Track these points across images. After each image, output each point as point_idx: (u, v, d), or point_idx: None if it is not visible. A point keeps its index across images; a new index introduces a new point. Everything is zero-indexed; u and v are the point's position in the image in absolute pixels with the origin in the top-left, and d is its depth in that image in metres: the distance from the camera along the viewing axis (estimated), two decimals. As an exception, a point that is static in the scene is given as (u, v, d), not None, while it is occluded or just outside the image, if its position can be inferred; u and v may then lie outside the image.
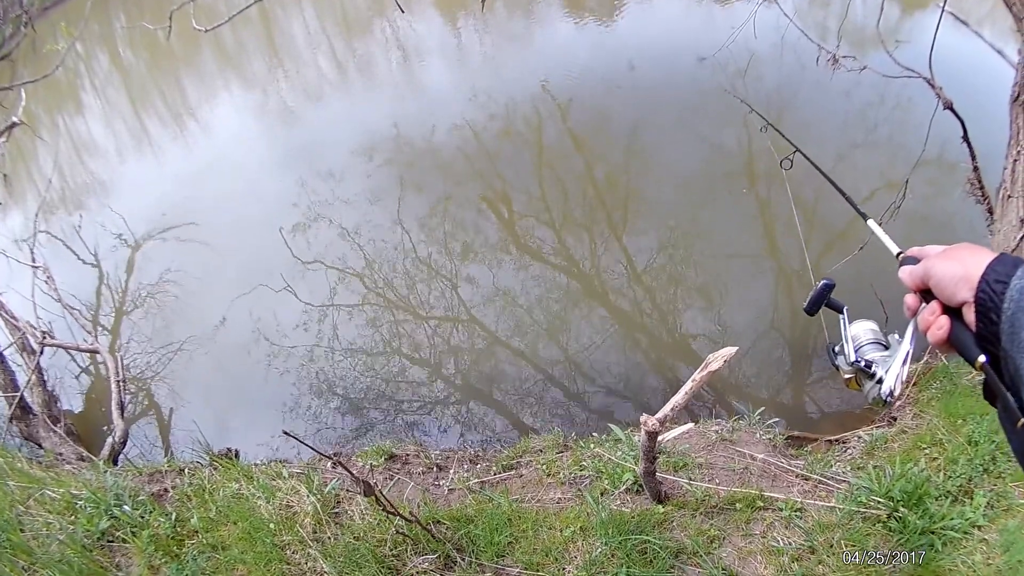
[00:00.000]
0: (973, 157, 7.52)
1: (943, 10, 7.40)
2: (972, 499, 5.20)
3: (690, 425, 5.39)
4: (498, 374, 8.67)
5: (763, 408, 6.62)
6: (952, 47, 6.96)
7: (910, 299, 1.70)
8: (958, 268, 1.52)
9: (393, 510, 4.63)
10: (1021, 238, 6.50)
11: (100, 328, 10.12)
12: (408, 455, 6.41)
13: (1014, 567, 4.76)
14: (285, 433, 4.33)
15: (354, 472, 4.61)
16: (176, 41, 10.90)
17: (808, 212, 10.35)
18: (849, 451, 6.37)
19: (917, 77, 7.78)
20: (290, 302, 9.71)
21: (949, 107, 7.42)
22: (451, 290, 9.67)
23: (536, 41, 15.21)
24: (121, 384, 8.21)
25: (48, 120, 18.28)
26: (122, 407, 8.05)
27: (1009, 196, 6.64)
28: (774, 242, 9.95)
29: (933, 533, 4.92)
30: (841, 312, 2.22)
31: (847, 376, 2.09)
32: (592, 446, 6.16)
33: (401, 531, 4.80)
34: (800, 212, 10.30)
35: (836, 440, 6.88)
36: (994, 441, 5.56)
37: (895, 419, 6.71)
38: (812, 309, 2.27)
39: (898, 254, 1.91)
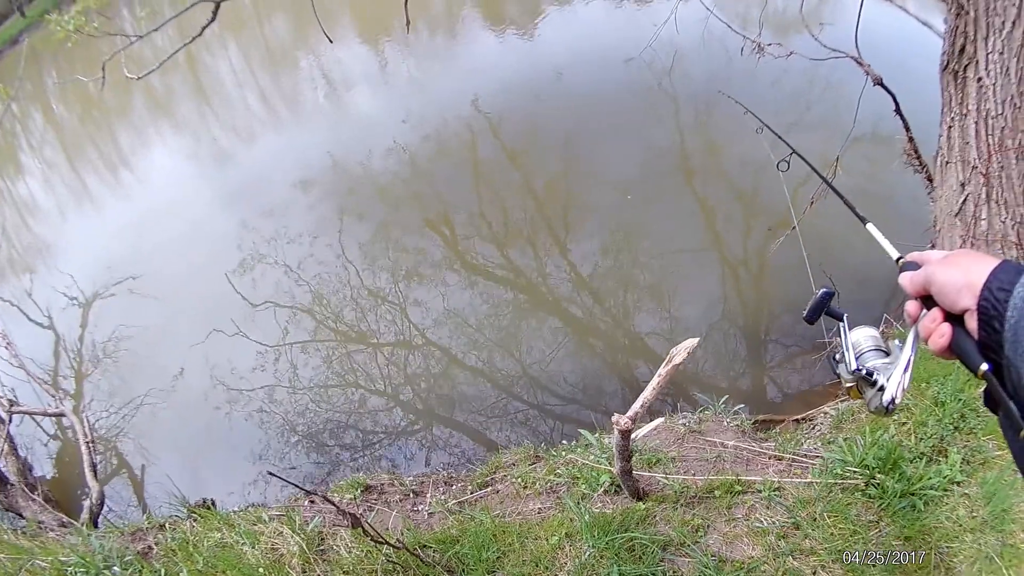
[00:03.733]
0: (907, 128, 7.66)
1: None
2: (947, 457, 5.30)
3: (660, 420, 5.46)
4: (458, 394, 8.68)
5: (727, 396, 6.65)
6: (878, 23, 7.10)
7: (911, 306, 1.72)
8: (960, 275, 1.53)
9: (381, 539, 4.65)
10: (962, 201, 6.65)
11: (61, 391, 10.04)
12: (383, 484, 6.42)
13: (999, 516, 4.87)
14: (270, 474, 4.33)
15: (339, 506, 4.62)
16: (107, 92, 10.89)
17: (748, 198, 10.49)
18: (817, 427, 6.44)
19: (844, 57, 7.92)
20: (245, 345, 9.63)
21: (879, 83, 7.56)
22: (401, 315, 9.65)
23: (461, 58, 15.24)
24: (91, 445, 8.16)
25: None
26: (95, 468, 8.01)
27: (947, 162, 6.79)
28: (717, 234, 10.03)
29: (913, 495, 5.01)
30: (841, 320, 2.20)
31: (848, 385, 2.08)
32: (564, 453, 6.20)
33: (391, 559, 4.82)
34: (741, 202, 10.44)
35: (803, 419, 6.95)
36: (960, 399, 5.66)
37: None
38: (812, 317, 2.25)
39: (898, 259, 1.92)
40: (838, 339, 2.16)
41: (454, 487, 6.35)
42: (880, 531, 4.94)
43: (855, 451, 5.33)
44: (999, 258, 1.50)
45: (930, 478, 5.12)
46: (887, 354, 2.02)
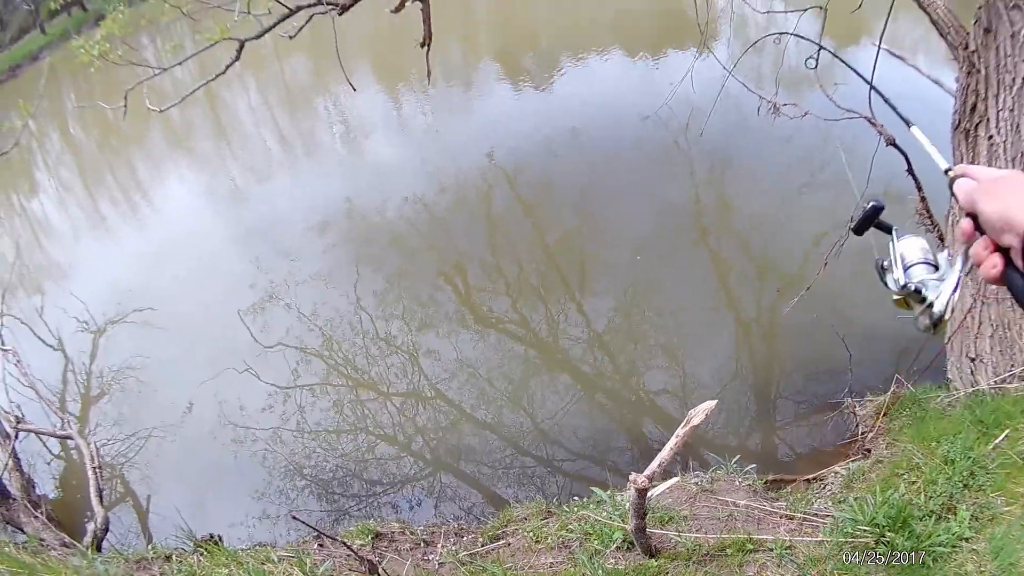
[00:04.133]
0: (919, 188, 7.74)
1: (879, 48, 7.60)
2: (956, 515, 5.33)
3: (675, 480, 5.51)
4: (467, 447, 8.70)
5: (738, 456, 6.70)
6: (890, 81, 7.21)
7: (965, 224, 1.61)
8: (1000, 210, 1.47)
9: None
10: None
11: (68, 413, 10.08)
12: (393, 532, 6.43)
13: (1006, 569, 4.89)
14: (294, 518, 4.39)
15: (356, 551, 4.64)
16: (125, 120, 10.97)
17: (758, 258, 10.52)
18: (828, 487, 6.47)
19: (858, 117, 8.00)
20: (254, 385, 9.65)
21: (892, 143, 7.63)
22: (413, 365, 9.67)
23: (478, 111, 15.32)
24: (98, 471, 8.19)
25: (3, 198, 18.30)
26: (100, 494, 8.03)
27: (957, 221, 6.86)
28: (730, 292, 10.09)
29: (922, 551, 5.06)
30: (890, 233, 2.08)
31: (896, 297, 1.99)
32: (576, 510, 6.21)
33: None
34: (750, 259, 10.47)
35: (814, 478, 6.97)
36: (970, 457, 5.69)
37: (869, 451, 6.84)
38: (860, 229, 2.13)
39: (946, 170, 1.82)
40: (889, 248, 2.05)
41: (465, 538, 6.38)
42: (890, 589, 4.98)
43: (866, 510, 5.36)
44: None
45: (939, 535, 5.15)
46: (936, 268, 1.95)
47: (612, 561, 5.27)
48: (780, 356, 9.18)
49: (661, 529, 5.52)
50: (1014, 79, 6.24)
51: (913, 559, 5.04)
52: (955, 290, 1.82)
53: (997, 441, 5.90)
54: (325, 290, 10.93)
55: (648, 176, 12.43)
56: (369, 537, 6.23)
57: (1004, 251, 1.49)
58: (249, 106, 16.51)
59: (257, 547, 6.37)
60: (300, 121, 16.14)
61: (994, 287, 6.84)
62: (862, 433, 7.39)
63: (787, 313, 8.56)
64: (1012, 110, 6.32)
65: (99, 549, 7.49)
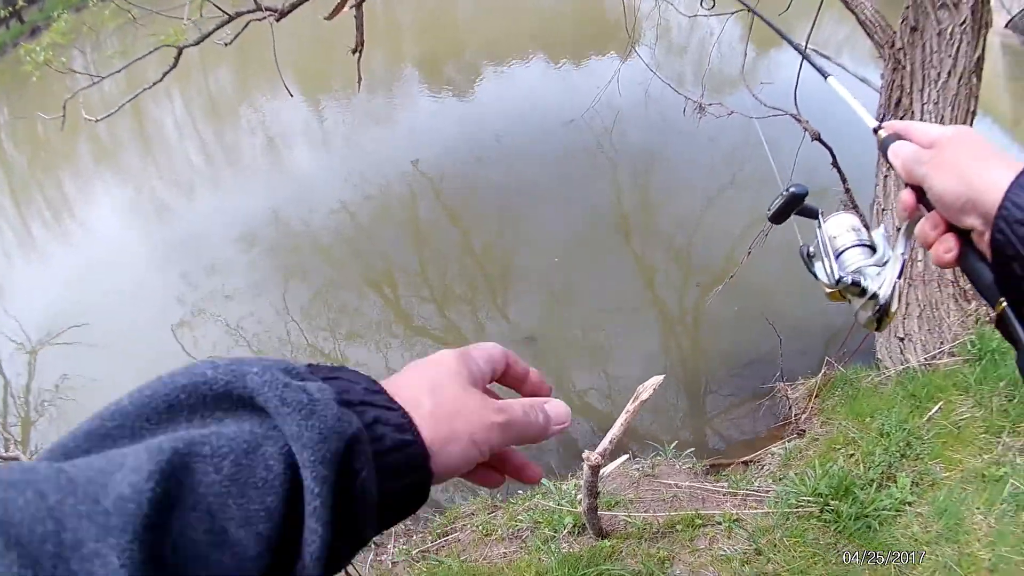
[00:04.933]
0: (844, 180, 7.93)
1: (805, 48, 7.78)
2: (896, 482, 5.54)
3: (625, 457, 5.61)
4: None
5: (675, 442, 6.91)
6: (816, 80, 7.42)
7: (907, 198, 1.40)
8: (960, 187, 1.22)
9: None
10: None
11: (10, 435, 9.95)
12: None
13: (952, 529, 5.11)
14: None
15: None
16: (58, 134, 10.84)
17: (683, 256, 10.68)
18: (766, 467, 6.61)
19: (784, 115, 8.18)
20: None
21: (817, 138, 7.82)
22: None
23: (402, 120, 15.21)
24: None
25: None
26: None
27: (884, 209, 7.17)
28: (656, 291, 10.28)
29: (867, 516, 5.24)
30: (816, 218, 1.83)
31: (828, 290, 1.73)
32: (522, 501, 6.35)
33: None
34: (674, 257, 10.62)
35: (751, 460, 7.11)
36: (905, 429, 5.92)
37: (804, 431, 7.00)
38: (780, 217, 1.86)
39: (876, 129, 1.57)
40: (816, 235, 1.80)
41: (414, 537, 6.40)
42: (839, 552, 5.13)
43: (807, 482, 5.55)
44: (1011, 163, 1.19)
45: (882, 500, 5.35)
46: (873, 250, 1.69)
47: (565, 546, 5.38)
48: (709, 349, 9.32)
49: (610, 512, 5.65)
50: (939, 74, 6.52)
51: (859, 524, 5.20)
52: (900, 276, 1.60)
53: (931, 413, 6.12)
54: (252, 302, 10.81)
55: (573, 180, 12.53)
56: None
57: (961, 232, 1.29)
58: (175, 120, 16.30)
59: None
60: (224, 133, 15.97)
61: (931, 269, 7.10)
62: (796, 415, 7.54)
63: (715, 307, 8.73)
64: (937, 103, 6.62)
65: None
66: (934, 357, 6.92)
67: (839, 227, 1.74)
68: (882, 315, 1.62)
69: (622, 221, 11.83)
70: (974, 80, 6.64)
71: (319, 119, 15.73)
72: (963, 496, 5.49)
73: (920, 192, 1.37)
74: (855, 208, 8.02)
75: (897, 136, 1.46)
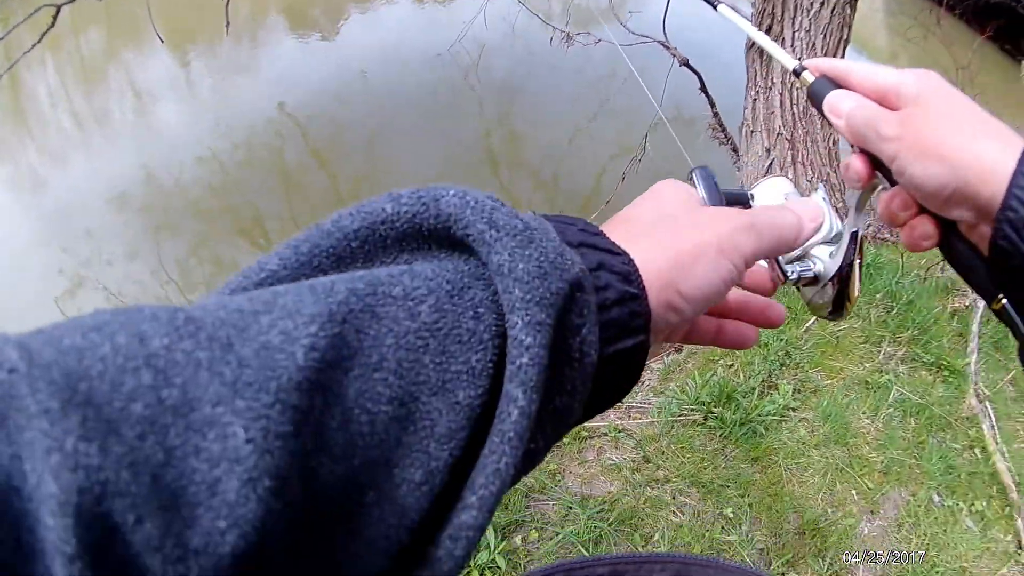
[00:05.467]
0: (712, 104, 8.12)
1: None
2: (778, 390, 5.73)
3: None
4: None
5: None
6: (685, 7, 7.48)
7: (858, 166, 1.11)
8: (945, 175, 0.95)
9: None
10: (768, 165, 7.14)
11: None
12: None
13: (840, 432, 5.31)
14: None
15: None
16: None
17: (549, 186, 10.78)
18: (647, 383, 6.69)
19: (651, 42, 8.31)
20: None
21: (685, 63, 7.99)
22: None
23: (266, 66, 14.86)
24: None
25: None
26: None
27: (752, 131, 7.34)
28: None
29: (752, 422, 5.43)
30: (748, 204, 1.30)
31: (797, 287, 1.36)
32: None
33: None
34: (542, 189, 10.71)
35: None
36: (783, 339, 6.11)
37: (680, 347, 7.15)
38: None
39: (796, 70, 1.24)
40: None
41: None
42: (727, 456, 5.29)
43: (688, 392, 5.71)
44: (1003, 134, 0.96)
45: (765, 406, 5.51)
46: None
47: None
48: None
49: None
50: (812, 3, 6.69)
51: (745, 430, 5.37)
52: (857, 255, 1.22)
53: (808, 324, 6.27)
54: (129, 265, 10.60)
55: (439, 115, 12.54)
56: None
57: (940, 219, 1.06)
58: (48, 88, 15.82)
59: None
60: (95, 96, 15.49)
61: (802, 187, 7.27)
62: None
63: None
64: (808, 31, 6.80)
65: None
66: (809, 273, 7.13)
67: (768, 193, 1.31)
68: (839, 301, 1.30)
69: (488, 154, 11.92)
70: (848, 10, 6.82)
71: (186, 72, 15.37)
72: (847, 401, 5.70)
73: (873, 159, 1.10)
74: (723, 130, 8.21)
75: (833, 83, 1.15)
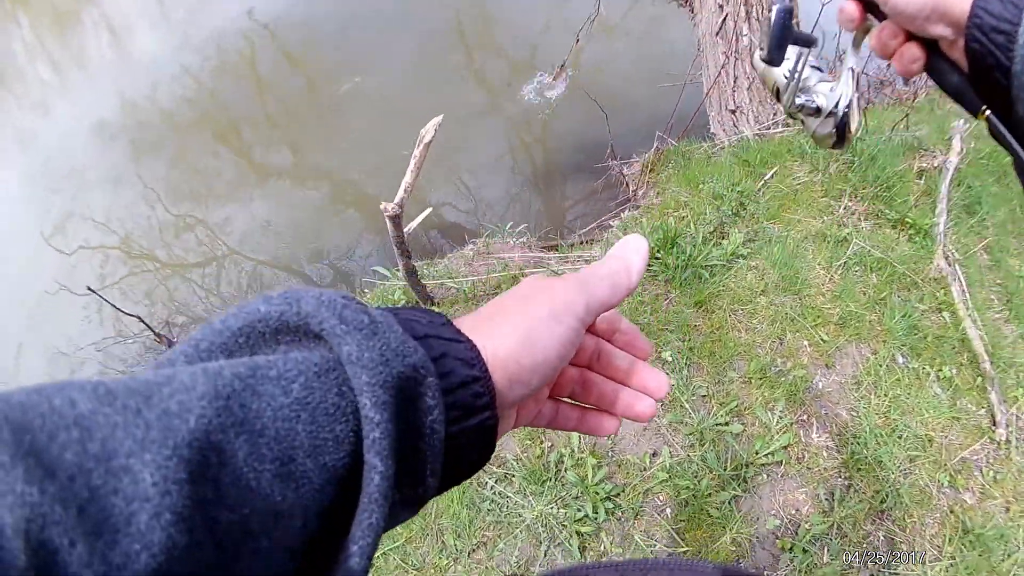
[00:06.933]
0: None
1: None
2: (728, 238, 5.58)
3: (429, 210, 5.54)
4: (265, 287, 9.12)
5: (511, 222, 6.86)
6: None
7: (850, 8, 1.31)
8: None
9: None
10: (722, 21, 7.07)
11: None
12: None
13: (790, 279, 5.17)
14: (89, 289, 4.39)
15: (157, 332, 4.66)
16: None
17: (521, 63, 10.78)
18: (605, 238, 6.63)
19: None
20: (73, 306, 9.35)
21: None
22: (211, 236, 9.67)
23: None
24: None
25: None
26: None
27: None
28: (494, 95, 10.50)
29: (696, 266, 5.27)
30: (811, 46, 1.54)
31: (791, 112, 1.60)
32: (365, 293, 6.40)
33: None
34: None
35: (586, 233, 7.22)
36: (738, 190, 5.97)
37: (639, 206, 7.06)
38: (779, 48, 1.49)
39: None
40: (793, 62, 1.56)
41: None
42: (669, 300, 5.17)
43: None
44: None
45: (711, 252, 5.39)
46: (820, 70, 1.58)
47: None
48: (547, 141, 9.46)
49: (439, 281, 5.70)
50: None
51: (688, 274, 5.23)
52: (855, 90, 1.51)
53: (766, 178, 6.18)
54: (115, 191, 10.68)
55: (409, 9, 12.65)
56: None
57: (925, 41, 1.23)
58: (24, 43, 15.92)
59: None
60: (70, 41, 15.57)
61: (745, 44, 7.16)
62: (633, 192, 7.60)
63: (554, 112, 8.81)
64: None
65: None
66: (768, 128, 7.05)
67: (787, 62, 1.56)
68: (842, 130, 1.55)
69: (461, 39, 12.08)
70: None
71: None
72: (802, 251, 5.56)
73: (865, 2, 1.29)
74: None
75: None
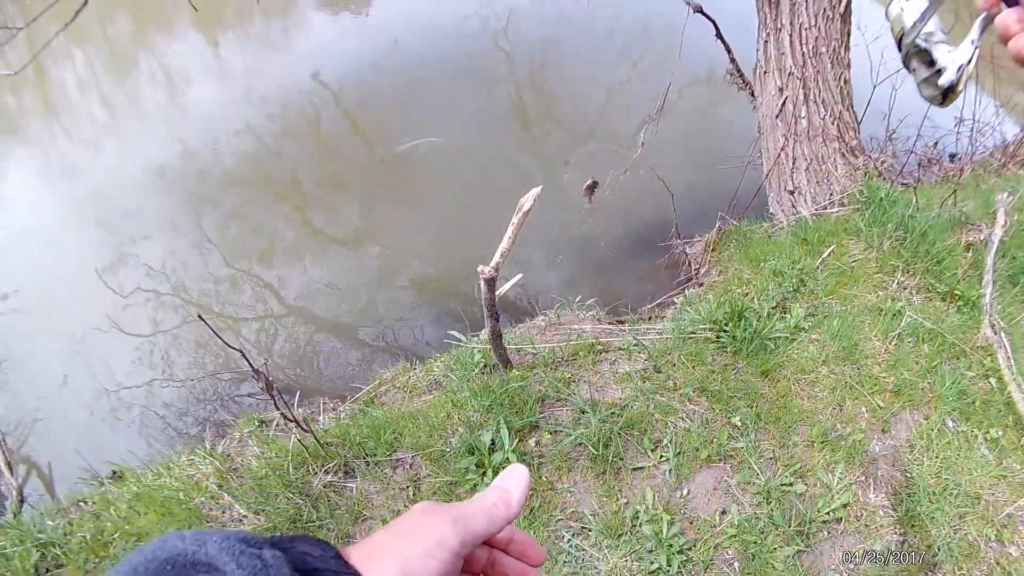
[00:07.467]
0: (728, 50, 8.24)
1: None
2: (790, 312, 5.85)
3: (520, 276, 5.66)
4: (329, 351, 8.89)
5: (580, 296, 7.15)
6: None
7: None
8: None
9: (291, 416, 4.96)
10: (781, 104, 7.31)
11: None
12: (276, 419, 6.62)
13: (850, 350, 5.45)
14: (199, 317, 4.49)
15: (253, 364, 4.78)
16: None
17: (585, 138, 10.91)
18: (668, 312, 6.88)
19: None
20: (122, 345, 9.52)
21: (699, 10, 8.11)
22: (266, 291, 9.71)
23: (299, 41, 14.82)
24: (2, 443, 8.15)
25: None
26: (9, 465, 8.03)
27: (765, 72, 7.54)
28: (551, 171, 10.49)
29: (762, 338, 5.53)
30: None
31: (904, 56, 1.71)
32: (437, 357, 6.59)
33: (300, 441, 5.13)
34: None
35: (655, 307, 7.42)
36: (798, 268, 6.23)
37: (703, 284, 7.31)
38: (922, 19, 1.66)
39: None
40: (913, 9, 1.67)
41: (344, 405, 6.61)
42: (737, 370, 5.45)
43: (702, 311, 5.86)
44: None
45: (776, 325, 5.66)
46: (944, 33, 1.67)
47: (478, 383, 5.59)
48: (610, 221, 9.52)
49: (516, 346, 5.93)
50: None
51: (754, 345, 5.50)
52: (969, 61, 1.62)
53: (823, 256, 6.42)
54: (170, 239, 10.63)
55: (470, 78, 12.70)
56: (256, 424, 6.42)
57: None
58: (77, 78, 15.91)
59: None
60: (126, 83, 15.47)
61: (815, 125, 7.41)
62: (695, 269, 7.84)
63: (613, 184, 9.02)
64: None
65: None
66: (824, 208, 7.24)
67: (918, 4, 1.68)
68: (948, 91, 1.65)
69: (520, 112, 12.07)
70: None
71: (217, 53, 15.41)
72: (859, 324, 5.83)
73: None
74: (740, 75, 8.36)
75: None
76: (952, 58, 1.63)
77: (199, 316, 4.61)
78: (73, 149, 13.84)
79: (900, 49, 1.74)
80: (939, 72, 1.65)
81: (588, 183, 8.83)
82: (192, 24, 16.05)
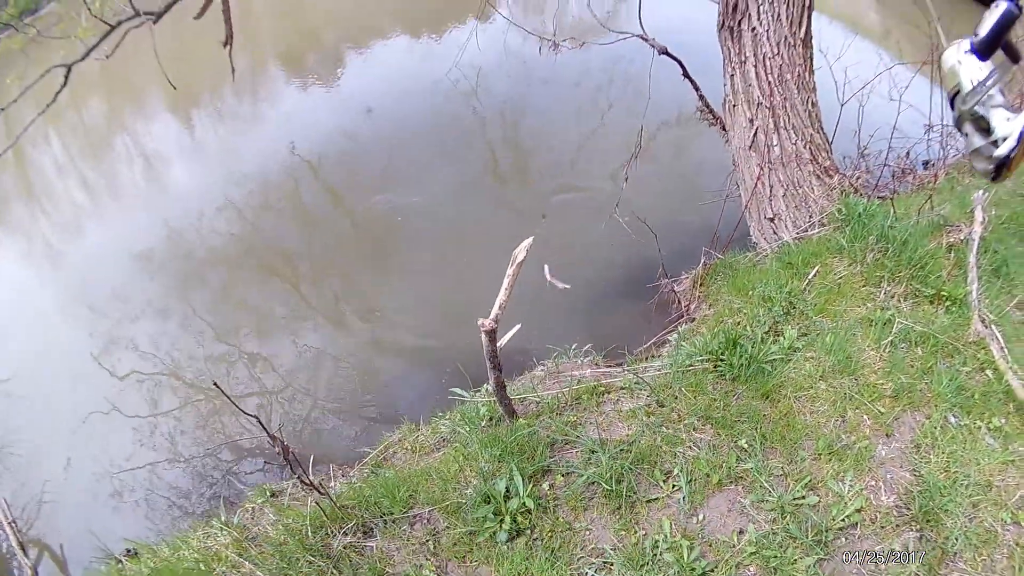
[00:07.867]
0: (696, 88, 8.45)
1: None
2: (783, 335, 5.99)
3: (518, 326, 5.73)
4: (330, 430, 8.90)
5: (575, 343, 7.19)
6: (660, 7, 7.79)
7: None
8: None
9: (309, 481, 5.03)
10: (753, 134, 7.47)
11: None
12: (287, 488, 6.67)
13: (845, 362, 5.59)
14: (215, 385, 4.55)
15: (272, 433, 4.82)
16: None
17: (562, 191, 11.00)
18: (663, 353, 6.97)
19: (630, 36, 8.66)
20: (121, 423, 9.51)
21: (664, 52, 8.31)
22: (259, 367, 9.77)
23: (272, 115, 14.89)
24: (14, 524, 8.18)
25: None
26: (22, 546, 8.05)
27: (734, 105, 7.73)
28: (530, 224, 10.55)
29: (758, 362, 5.64)
30: (1017, 61, 1.61)
31: (957, 117, 1.63)
32: (442, 416, 6.68)
33: (318, 503, 5.19)
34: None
35: (649, 347, 7.52)
36: (787, 291, 6.39)
37: (694, 319, 7.42)
38: (988, 47, 1.60)
39: None
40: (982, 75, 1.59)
41: (353, 470, 6.68)
42: (737, 395, 5.55)
43: (697, 343, 5.98)
44: None
45: (770, 348, 5.77)
46: (1004, 97, 1.60)
47: (486, 434, 5.68)
48: (595, 267, 9.65)
49: (520, 396, 6.07)
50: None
51: (752, 370, 5.59)
52: None
53: (810, 276, 6.54)
54: (159, 320, 10.74)
55: (445, 141, 12.79)
56: (268, 495, 6.51)
57: None
58: (55, 161, 15.92)
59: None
60: (103, 165, 15.52)
61: (787, 151, 7.53)
62: (685, 306, 7.98)
63: (596, 232, 9.15)
64: (772, 3, 7.24)
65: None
66: (805, 230, 7.37)
67: (983, 68, 1.58)
68: (1001, 166, 1.54)
69: (495, 171, 12.19)
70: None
71: (191, 131, 15.48)
72: (852, 337, 5.94)
73: None
74: (710, 111, 8.54)
75: None
76: (1011, 128, 1.50)
77: (215, 384, 4.68)
78: (54, 234, 13.85)
79: (952, 108, 1.66)
80: (995, 143, 1.54)
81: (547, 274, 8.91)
82: (166, 104, 16.12)
